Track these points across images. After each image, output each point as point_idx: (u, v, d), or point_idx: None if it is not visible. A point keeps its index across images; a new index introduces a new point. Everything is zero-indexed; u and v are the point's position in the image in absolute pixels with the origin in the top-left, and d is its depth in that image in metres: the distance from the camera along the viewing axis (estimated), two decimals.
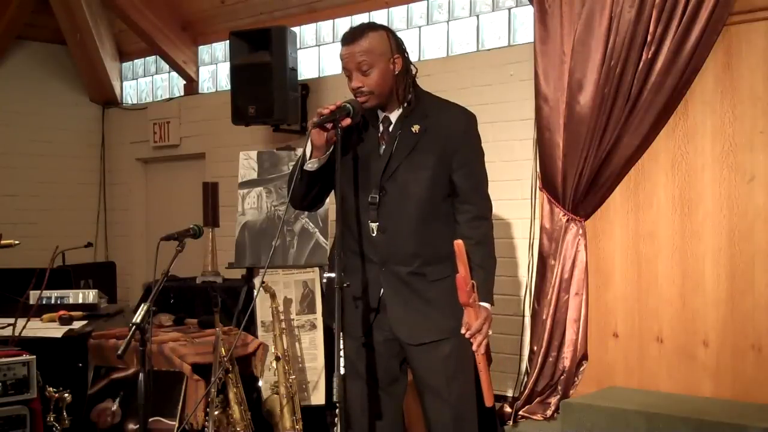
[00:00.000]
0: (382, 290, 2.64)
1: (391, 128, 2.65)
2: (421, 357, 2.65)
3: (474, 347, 2.54)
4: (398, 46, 2.62)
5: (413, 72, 2.66)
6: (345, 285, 2.42)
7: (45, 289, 3.96)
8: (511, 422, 4.26)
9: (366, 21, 3.08)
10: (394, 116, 2.65)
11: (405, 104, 2.63)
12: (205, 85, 6.87)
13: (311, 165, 2.58)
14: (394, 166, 2.61)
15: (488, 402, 2.60)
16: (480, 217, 2.66)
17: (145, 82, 7.47)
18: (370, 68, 2.55)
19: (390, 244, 2.61)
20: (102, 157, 7.61)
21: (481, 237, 2.63)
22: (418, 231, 2.61)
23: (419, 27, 5.48)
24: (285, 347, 3.96)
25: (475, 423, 2.74)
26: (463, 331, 2.54)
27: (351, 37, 2.58)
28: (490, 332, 2.57)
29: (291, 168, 2.78)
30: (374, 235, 2.62)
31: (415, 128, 2.62)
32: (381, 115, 2.66)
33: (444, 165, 2.62)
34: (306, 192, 2.68)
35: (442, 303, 2.62)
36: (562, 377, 4.30)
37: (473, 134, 2.69)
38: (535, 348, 4.37)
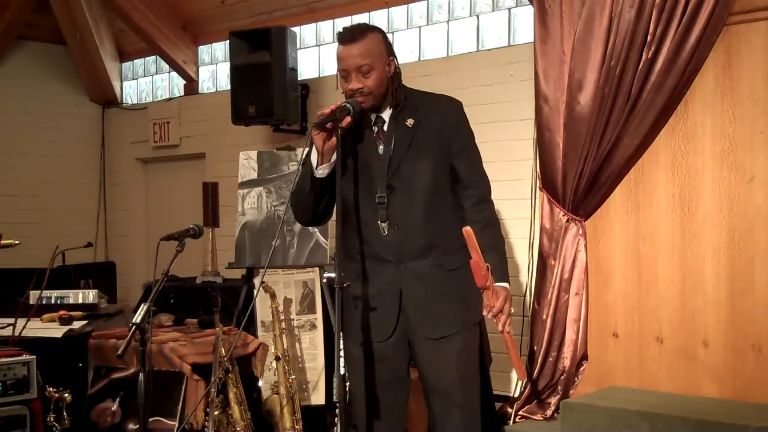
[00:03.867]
0: (401, 289, 2.64)
1: (385, 127, 2.67)
2: (434, 353, 2.66)
3: (499, 327, 2.56)
4: (390, 48, 2.67)
5: (400, 72, 2.70)
6: (345, 285, 2.42)
7: (45, 289, 3.97)
8: (511, 422, 4.26)
9: (364, 22, 3.09)
10: (386, 115, 2.68)
11: (397, 103, 2.66)
12: (205, 85, 6.87)
13: (322, 171, 2.58)
14: (396, 163, 2.63)
15: (520, 376, 3.00)
16: (483, 200, 2.71)
17: (145, 82, 7.47)
18: (370, 70, 2.57)
19: (403, 240, 2.63)
20: (102, 157, 7.61)
21: (488, 219, 2.69)
22: (428, 222, 2.64)
23: (419, 27, 5.48)
24: (285, 347, 3.96)
25: (479, 422, 2.74)
26: (485, 313, 2.56)
27: (351, 36, 2.58)
28: (512, 310, 2.60)
29: (292, 188, 2.72)
30: (386, 234, 2.63)
31: (409, 122, 2.66)
32: (373, 116, 2.68)
33: (443, 154, 2.66)
34: (316, 202, 2.66)
35: (457, 295, 2.66)
36: (562, 377, 4.30)
37: (464, 120, 2.75)
38: (535, 348, 4.36)
